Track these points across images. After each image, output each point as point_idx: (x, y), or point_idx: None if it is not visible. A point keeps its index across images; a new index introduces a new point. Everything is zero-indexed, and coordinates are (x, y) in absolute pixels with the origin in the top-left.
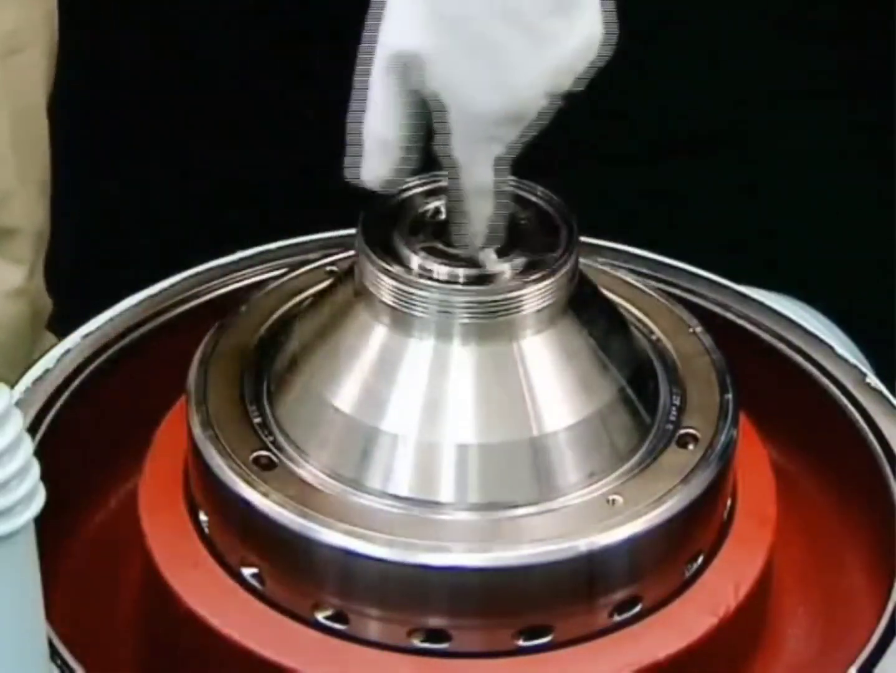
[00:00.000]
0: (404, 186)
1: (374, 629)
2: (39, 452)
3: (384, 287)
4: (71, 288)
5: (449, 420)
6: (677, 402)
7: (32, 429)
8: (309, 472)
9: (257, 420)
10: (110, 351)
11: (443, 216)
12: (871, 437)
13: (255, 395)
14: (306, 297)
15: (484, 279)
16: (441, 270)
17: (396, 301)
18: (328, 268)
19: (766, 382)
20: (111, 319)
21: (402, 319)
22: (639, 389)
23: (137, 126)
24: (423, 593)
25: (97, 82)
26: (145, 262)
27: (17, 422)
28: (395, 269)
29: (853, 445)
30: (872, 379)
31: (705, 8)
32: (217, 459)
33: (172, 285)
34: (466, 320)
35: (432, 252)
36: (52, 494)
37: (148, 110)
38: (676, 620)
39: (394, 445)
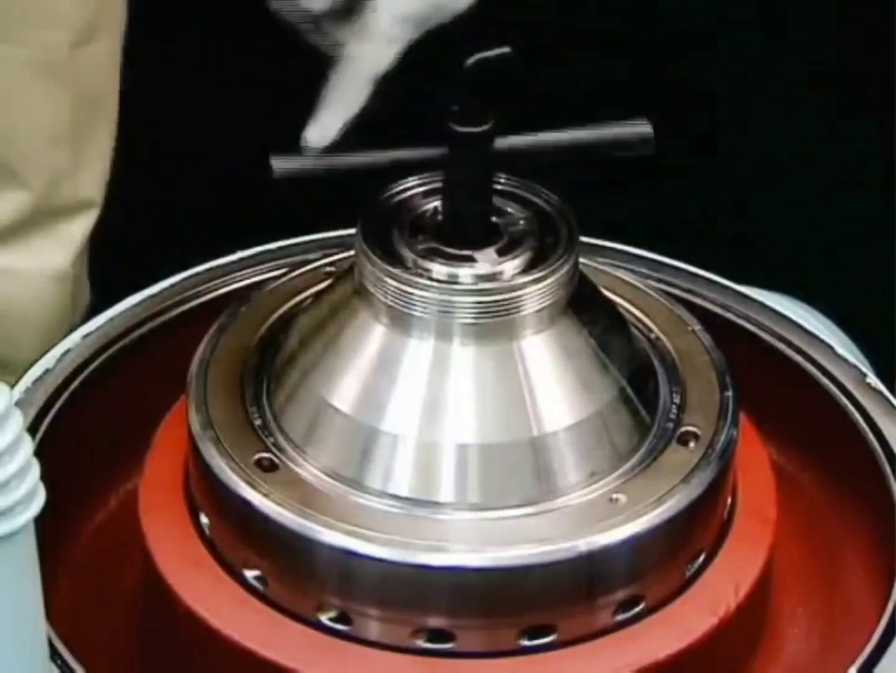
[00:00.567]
0: (404, 186)
1: (376, 630)
2: (39, 452)
3: (384, 287)
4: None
5: (449, 420)
6: (677, 400)
7: (32, 429)
8: (309, 472)
9: (258, 421)
10: (110, 351)
11: (442, 216)
12: (871, 437)
13: (256, 395)
14: (306, 298)
15: (484, 279)
16: (441, 270)
17: (396, 301)
18: (327, 268)
19: (766, 382)
20: (111, 319)
21: (401, 319)
22: (639, 389)
23: (137, 126)
24: (425, 594)
25: None
26: (145, 262)
27: (17, 422)
28: (395, 269)
29: (853, 445)
30: (872, 379)
31: (706, 5)
32: (218, 461)
33: (172, 285)
34: (466, 320)
35: (432, 252)
36: (52, 494)
37: (147, 110)
38: (677, 620)
39: (394, 445)
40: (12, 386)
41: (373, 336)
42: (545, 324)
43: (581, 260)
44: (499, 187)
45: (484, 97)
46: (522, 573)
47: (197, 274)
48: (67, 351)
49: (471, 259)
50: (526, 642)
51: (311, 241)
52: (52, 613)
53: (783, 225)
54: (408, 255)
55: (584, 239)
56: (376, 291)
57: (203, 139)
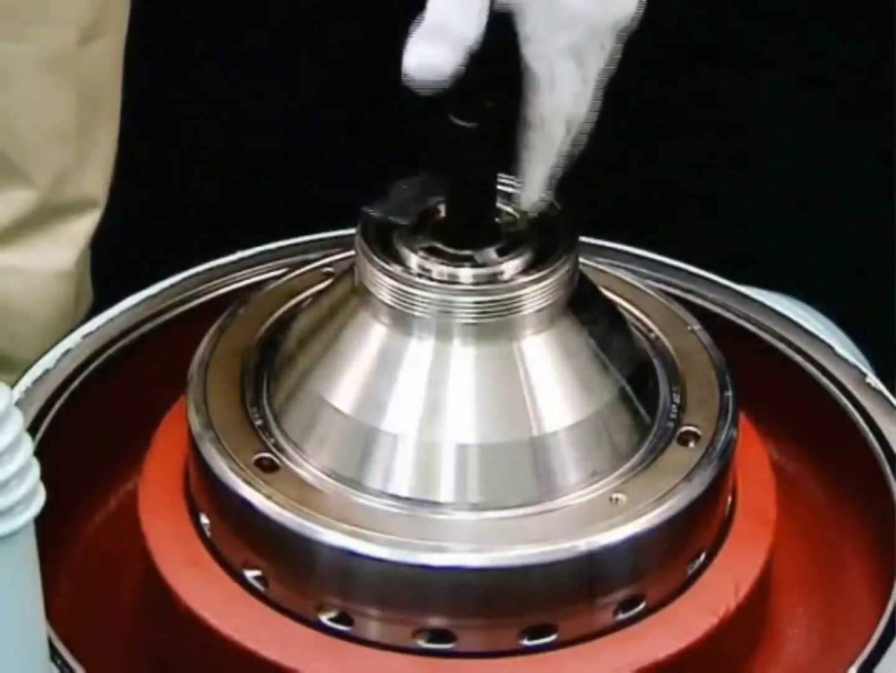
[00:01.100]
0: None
1: (377, 630)
2: (39, 452)
3: (384, 287)
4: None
5: (449, 420)
6: (677, 400)
7: (32, 429)
8: (310, 473)
9: (258, 422)
10: (110, 351)
11: (442, 216)
12: (871, 437)
13: (256, 395)
14: (306, 298)
15: (484, 279)
16: (441, 270)
17: (396, 301)
18: (327, 268)
19: (766, 382)
20: (111, 319)
21: (402, 319)
22: (639, 388)
23: (136, 126)
24: (425, 594)
25: None
26: (145, 262)
27: (17, 422)
28: (395, 268)
29: (853, 444)
30: (872, 379)
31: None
32: (219, 462)
33: (172, 285)
34: (466, 320)
35: (432, 252)
36: (52, 494)
37: (147, 110)
38: (677, 620)
39: (394, 445)
40: (12, 386)
41: (373, 336)
42: (545, 324)
43: (581, 260)
44: (499, 187)
45: (486, 93)
46: (523, 573)
47: (197, 274)
48: (67, 351)
49: (471, 259)
50: (526, 642)
51: (311, 241)
52: (52, 613)
53: (783, 225)
54: (408, 254)
55: (584, 239)
56: (376, 291)
57: (203, 139)
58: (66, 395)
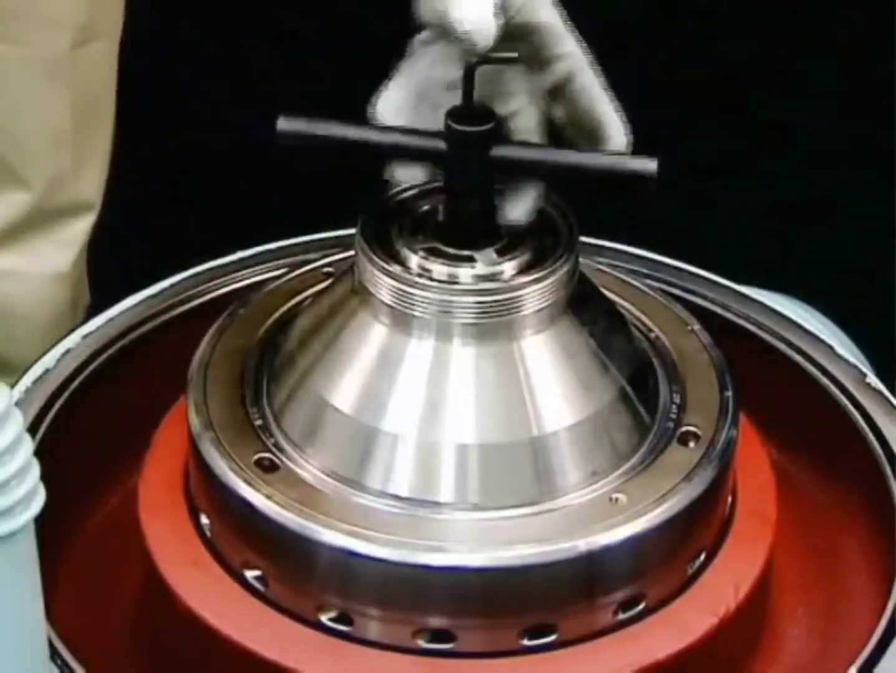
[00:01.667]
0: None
1: (378, 630)
2: (39, 452)
3: (384, 287)
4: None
5: (449, 420)
6: (677, 400)
7: (32, 429)
8: (310, 473)
9: (258, 422)
10: (110, 351)
11: (442, 216)
12: (871, 437)
13: (256, 395)
14: (306, 298)
15: (484, 279)
16: (441, 270)
17: (396, 301)
18: (327, 269)
19: (766, 382)
20: (111, 319)
21: (401, 319)
22: (639, 388)
23: (136, 126)
24: (425, 594)
25: None
26: (145, 262)
27: (17, 422)
28: (395, 269)
29: (853, 445)
30: (872, 379)
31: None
32: (219, 462)
33: (172, 285)
34: (466, 320)
35: (432, 252)
36: (52, 494)
37: (147, 110)
38: (677, 620)
39: (394, 445)
40: (12, 386)
41: (373, 336)
42: (545, 324)
43: (581, 260)
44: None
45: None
46: (523, 573)
47: (197, 274)
48: (67, 351)
49: (471, 259)
50: (526, 642)
51: (311, 241)
52: (52, 613)
53: (783, 225)
54: (408, 255)
55: (584, 239)
56: (376, 291)
57: (203, 139)
58: (66, 395)
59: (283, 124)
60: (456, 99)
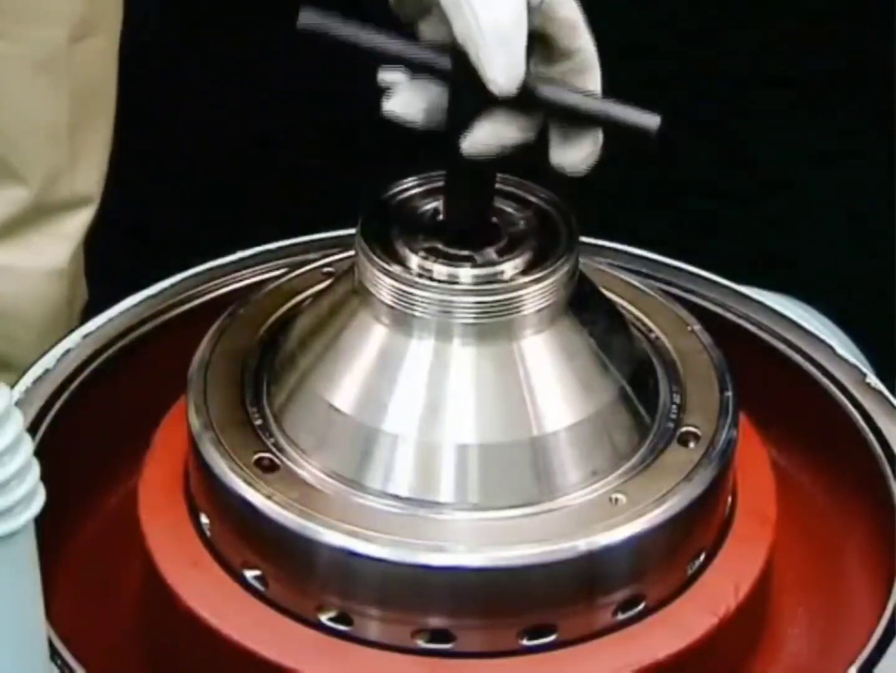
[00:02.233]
0: (404, 186)
1: (377, 630)
2: (39, 452)
3: (384, 287)
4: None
5: (449, 420)
6: (677, 400)
7: (32, 429)
8: (310, 473)
9: (258, 422)
10: (110, 351)
11: (442, 216)
12: (871, 437)
13: (256, 395)
14: (306, 298)
15: (484, 279)
16: (441, 270)
17: (396, 301)
18: (327, 269)
19: (766, 382)
20: (111, 319)
21: (402, 320)
22: (639, 388)
23: (136, 126)
24: (425, 594)
25: None
26: (145, 262)
27: (17, 422)
28: (395, 269)
29: (853, 445)
30: (872, 379)
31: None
32: (219, 462)
33: (172, 285)
34: (466, 320)
35: (432, 252)
36: (52, 494)
37: (148, 110)
38: (677, 620)
39: (394, 445)
40: (12, 386)
41: (373, 336)
42: (545, 324)
43: (581, 260)
44: (499, 187)
45: None
46: (523, 573)
47: (197, 274)
48: (67, 351)
49: (471, 259)
50: (526, 642)
51: (311, 241)
52: (52, 613)
53: (783, 225)
54: (408, 255)
55: (584, 239)
56: (376, 292)
57: (203, 139)
58: (66, 395)
59: (304, 18)
60: None
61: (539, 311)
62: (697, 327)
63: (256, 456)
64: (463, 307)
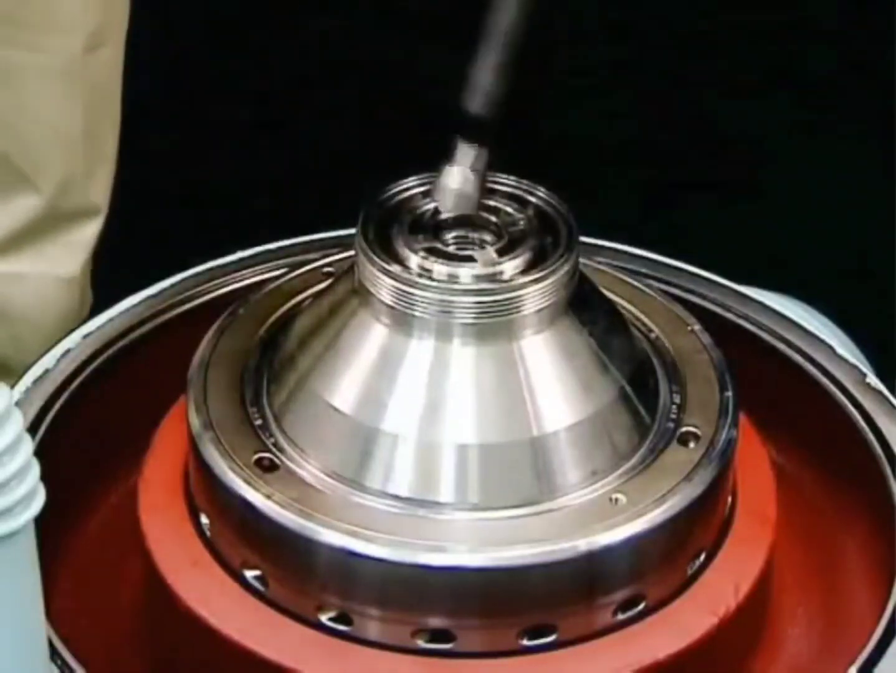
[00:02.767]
0: (404, 186)
1: (377, 630)
2: (39, 452)
3: (384, 287)
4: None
5: (449, 420)
6: (677, 400)
7: (32, 429)
8: (310, 473)
9: (258, 421)
10: (110, 351)
11: (442, 216)
12: (871, 437)
13: (256, 395)
14: (306, 298)
15: (484, 279)
16: (441, 270)
17: (396, 301)
18: (327, 268)
19: (767, 382)
20: (111, 319)
21: (402, 319)
22: (639, 388)
23: (136, 126)
24: (425, 594)
25: None
26: (145, 262)
27: (17, 422)
28: (395, 268)
29: (853, 445)
30: (872, 379)
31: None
32: (219, 462)
33: (172, 285)
34: (466, 320)
35: (432, 252)
36: (52, 494)
37: (147, 110)
38: (677, 620)
39: (394, 445)
40: (12, 386)
41: (373, 336)
42: (545, 324)
43: (581, 260)
44: (499, 187)
45: None
46: (522, 573)
47: (197, 274)
48: (67, 351)
49: (471, 259)
50: (526, 642)
51: (311, 241)
52: (52, 613)
53: (783, 225)
54: (408, 255)
55: (584, 239)
56: (376, 291)
57: (203, 139)
58: (66, 395)
59: None
60: None
61: (539, 311)
62: (697, 327)
63: (256, 456)
64: (463, 307)
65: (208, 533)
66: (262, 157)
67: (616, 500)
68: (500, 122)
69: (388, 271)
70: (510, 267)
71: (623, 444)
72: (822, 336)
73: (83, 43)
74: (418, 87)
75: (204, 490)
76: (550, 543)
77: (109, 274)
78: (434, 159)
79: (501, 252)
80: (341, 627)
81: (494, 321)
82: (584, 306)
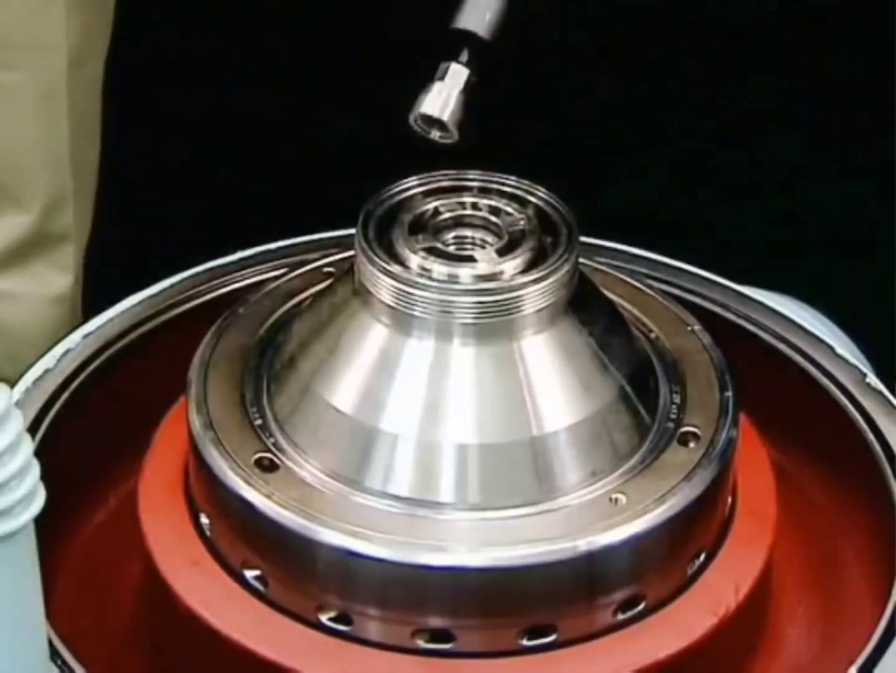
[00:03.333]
0: (404, 186)
1: (377, 630)
2: (39, 452)
3: (384, 287)
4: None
5: (449, 420)
6: (677, 400)
7: (32, 429)
8: (310, 473)
9: (258, 421)
10: (110, 351)
11: (443, 216)
12: (871, 437)
13: (256, 396)
14: (306, 298)
15: (484, 279)
16: (441, 270)
17: (396, 301)
18: (327, 269)
19: (766, 382)
20: (111, 319)
21: (401, 319)
22: (639, 388)
23: (136, 126)
24: (425, 594)
25: None
26: (145, 262)
27: (17, 422)
28: (395, 268)
29: (853, 445)
30: (872, 379)
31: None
32: (219, 462)
33: (172, 285)
34: (466, 320)
35: (432, 252)
36: (52, 494)
37: (147, 110)
38: (677, 620)
39: (394, 445)
40: (12, 386)
41: (373, 336)
42: (545, 324)
43: (581, 260)
44: (499, 187)
45: None
46: (522, 573)
47: (197, 274)
48: (67, 351)
49: (471, 259)
50: (526, 642)
51: (311, 241)
52: (53, 613)
53: (783, 225)
54: (408, 255)
55: (584, 239)
56: (376, 291)
57: (203, 139)
58: (66, 395)
59: None
60: None
61: (539, 311)
62: (697, 327)
63: (256, 456)
64: (463, 307)
65: (208, 533)
66: (263, 156)
67: (616, 500)
68: (496, 50)
69: (388, 271)
70: (510, 267)
71: (623, 444)
72: (822, 336)
73: (67, 61)
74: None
75: (204, 490)
76: (550, 543)
77: (109, 274)
78: (434, 159)
79: (501, 252)
80: (341, 627)
81: (494, 321)
82: (584, 306)
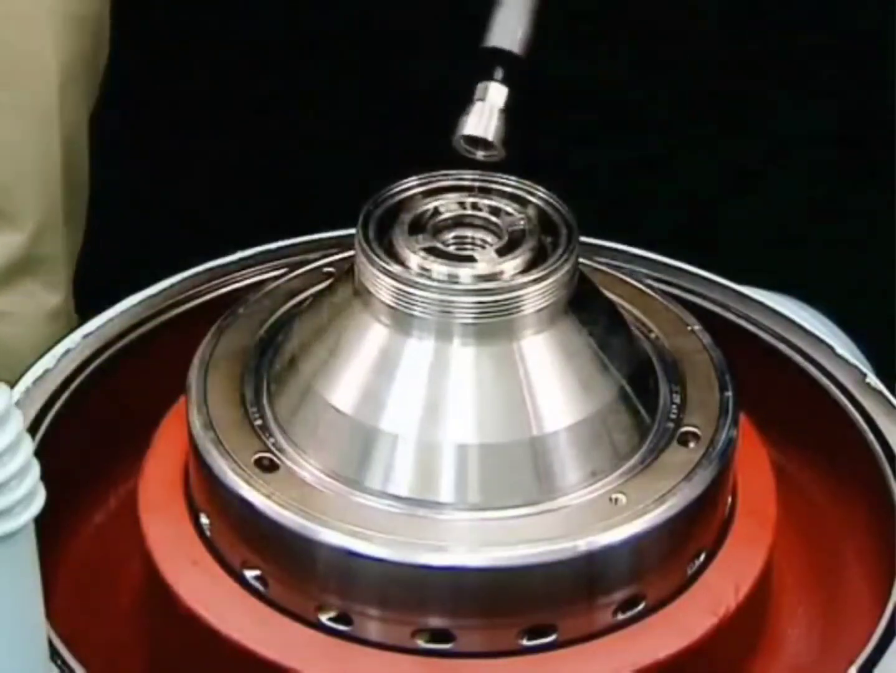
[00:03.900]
0: (404, 186)
1: (377, 630)
2: (39, 452)
3: (384, 287)
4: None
5: (449, 420)
6: (677, 400)
7: (32, 429)
8: (310, 473)
9: (258, 421)
10: (110, 351)
11: (442, 216)
12: (871, 437)
13: (256, 395)
14: (306, 298)
15: (484, 279)
16: (441, 270)
17: (396, 301)
18: (327, 269)
19: (766, 382)
20: (111, 319)
21: (401, 319)
22: (639, 388)
23: (136, 126)
24: (425, 594)
25: None
26: (145, 262)
27: (17, 422)
28: (395, 268)
29: (853, 445)
30: (872, 379)
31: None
32: (219, 462)
33: (172, 285)
34: (466, 320)
35: (432, 252)
36: (52, 495)
37: (147, 110)
38: (677, 620)
39: (394, 445)
40: (12, 386)
41: (373, 336)
42: (545, 324)
43: (581, 260)
44: (499, 187)
45: None
46: (522, 573)
47: (197, 274)
48: (67, 351)
49: (471, 259)
50: (526, 642)
51: (311, 241)
52: (53, 613)
53: (783, 225)
54: (408, 255)
55: (584, 239)
56: (376, 291)
57: (203, 139)
58: (66, 395)
59: None
60: None
61: (539, 311)
62: (697, 327)
63: (256, 456)
64: (463, 307)
65: (208, 533)
66: (263, 157)
67: (616, 500)
68: (526, 64)
69: (388, 271)
70: (510, 267)
71: (623, 444)
72: (822, 336)
73: (59, 80)
74: (419, 87)
75: (204, 490)
76: (550, 543)
77: (110, 273)
78: (434, 159)
79: (501, 252)
80: (341, 627)
81: (494, 321)
82: (584, 306)
